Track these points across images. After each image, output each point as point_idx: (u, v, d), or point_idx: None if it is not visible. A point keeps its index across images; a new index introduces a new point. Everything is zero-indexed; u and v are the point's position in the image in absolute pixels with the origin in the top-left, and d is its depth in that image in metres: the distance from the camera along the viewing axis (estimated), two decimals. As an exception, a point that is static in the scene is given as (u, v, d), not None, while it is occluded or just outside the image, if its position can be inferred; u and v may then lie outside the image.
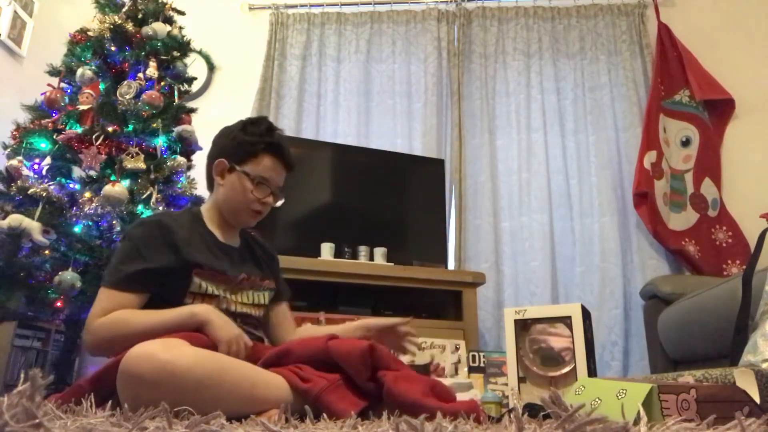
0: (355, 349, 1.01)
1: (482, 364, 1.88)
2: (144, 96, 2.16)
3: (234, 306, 1.27)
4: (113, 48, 2.29)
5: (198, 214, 1.35)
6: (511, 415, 0.81)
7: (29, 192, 1.92)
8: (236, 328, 1.14)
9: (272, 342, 1.38)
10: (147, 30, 2.30)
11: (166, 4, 2.44)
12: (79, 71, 2.19)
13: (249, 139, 1.32)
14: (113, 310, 1.15)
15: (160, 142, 2.19)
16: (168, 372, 0.91)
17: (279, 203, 1.37)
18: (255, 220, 1.36)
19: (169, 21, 2.44)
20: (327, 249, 2.45)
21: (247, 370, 1.00)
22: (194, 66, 2.63)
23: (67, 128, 2.10)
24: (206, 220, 1.34)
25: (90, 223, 1.96)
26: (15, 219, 1.81)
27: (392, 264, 2.49)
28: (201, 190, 2.28)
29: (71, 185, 2.08)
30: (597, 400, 0.88)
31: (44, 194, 1.92)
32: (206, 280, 1.23)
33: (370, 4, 3.36)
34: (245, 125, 1.35)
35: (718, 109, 3.07)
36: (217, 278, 1.25)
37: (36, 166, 2.06)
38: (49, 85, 2.23)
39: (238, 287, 1.29)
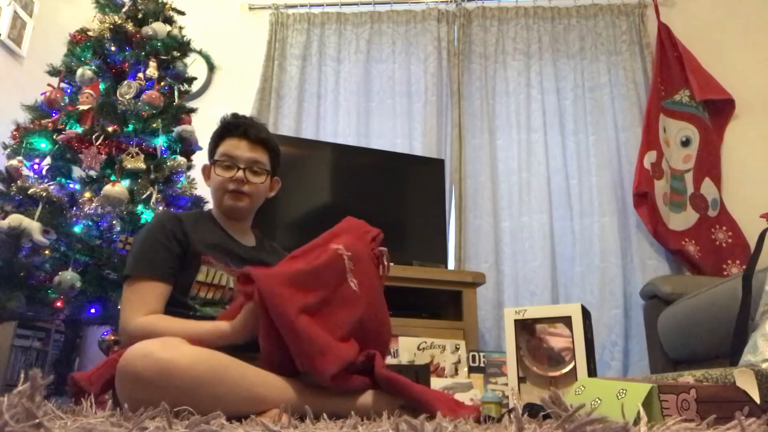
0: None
1: (482, 364, 1.88)
2: (144, 96, 2.16)
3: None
4: (113, 48, 2.29)
5: (210, 212, 1.43)
6: (511, 415, 0.81)
7: (29, 192, 1.92)
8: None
9: None
10: (147, 30, 2.30)
11: (166, 4, 2.44)
12: (79, 71, 2.19)
13: (213, 136, 1.42)
14: (149, 301, 1.17)
15: (160, 142, 2.19)
16: (167, 371, 0.92)
17: (258, 180, 1.37)
18: (240, 201, 1.36)
19: (169, 21, 2.44)
20: (327, 249, 2.45)
21: (246, 370, 1.01)
22: (194, 66, 2.63)
23: (67, 128, 2.10)
24: (217, 219, 1.41)
25: (90, 223, 1.96)
26: (15, 219, 1.81)
27: (392, 264, 2.48)
28: (201, 190, 2.28)
29: (71, 185, 2.08)
30: (597, 400, 0.88)
31: (44, 194, 1.92)
32: (213, 269, 1.26)
33: (370, 4, 3.36)
34: None
35: (718, 109, 3.07)
36: (222, 269, 1.28)
37: (36, 166, 2.06)
38: (49, 85, 2.22)
39: None
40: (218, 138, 1.40)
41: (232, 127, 1.39)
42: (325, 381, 1.00)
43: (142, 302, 1.17)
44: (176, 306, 1.21)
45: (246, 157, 1.35)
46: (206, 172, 1.43)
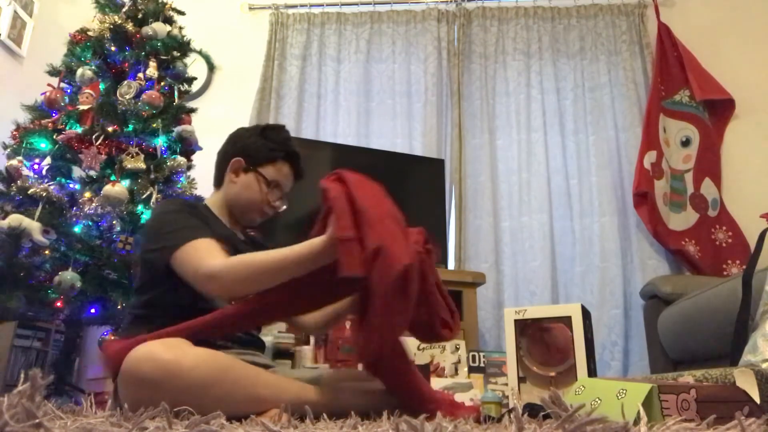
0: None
1: (482, 364, 1.88)
2: (144, 96, 2.16)
3: None
4: (113, 48, 2.29)
5: (205, 205, 1.38)
6: (511, 415, 0.81)
7: (29, 192, 1.92)
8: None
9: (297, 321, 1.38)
10: (147, 30, 2.30)
11: (166, 4, 2.44)
12: (79, 71, 2.19)
13: (270, 145, 1.36)
14: (214, 249, 1.11)
15: (160, 142, 2.19)
16: (170, 372, 0.92)
17: (282, 209, 1.41)
18: (262, 219, 1.40)
19: (169, 21, 2.44)
20: (327, 249, 2.45)
21: (247, 370, 1.01)
22: (194, 66, 2.63)
23: (67, 128, 2.10)
24: (213, 210, 1.37)
25: (90, 223, 1.96)
26: (15, 219, 1.81)
27: (392, 264, 2.48)
28: (201, 190, 2.28)
29: (71, 185, 2.08)
30: (597, 400, 0.88)
31: (44, 194, 1.92)
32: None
33: (370, 4, 3.36)
34: (264, 130, 1.39)
35: (718, 109, 3.07)
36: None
37: (36, 166, 2.06)
38: (49, 85, 2.23)
39: None
40: (277, 155, 1.35)
41: (294, 158, 1.38)
42: (396, 270, 0.92)
43: (207, 250, 1.11)
44: (188, 291, 1.17)
45: (288, 191, 1.40)
46: (238, 168, 1.35)
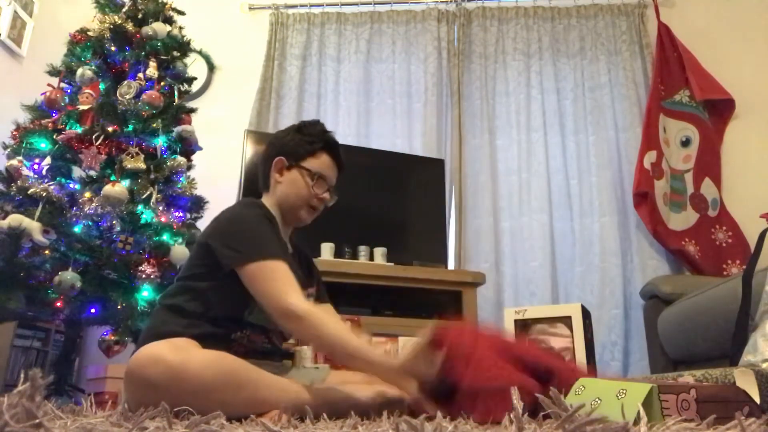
0: None
1: (482, 364, 1.88)
2: (144, 96, 2.16)
3: None
4: (113, 48, 2.29)
5: (269, 212, 1.32)
6: (511, 415, 0.81)
7: (29, 192, 1.92)
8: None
9: None
10: (147, 30, 2.30)
11: (166, 4, 2.44)
12: (79, 71, 2.19)
13: (307, 138, 1.37)
14: (294, 282, 1.12)
15: (160, 142, 2.19)
16: (176, 375, 0.92)
17: (332, 202, 1.40)
18: (311, 216, 1.38)
19: (169, 21, 2.44)
20: (327, 249, 2.45)
21: (250, 373, 1.01)
22: (194, 66, 2.63)
23: (67, 128, 2.10)
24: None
25: (90, 223, 1.96)
26: (15, 219, 1.81)
27: (392, 264, 2.48)
28: (201, 190, 2.28)
29: (71, 185, 2.08)
30: (597, 400, 0.88)
31: (44, 194, 1.92)
32: None
33: (370, 4, 3.36)
34: (301, 127, 1.40)
35: (718, 109, 3.07)
36: None
37: (36, 166, 2.06)
38: (49, 85, 2.22)
39: None
40: (315, 147, 1.35)
41: (335, 147, 1.38)
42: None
43: (289, 281, 1.11)
44: (233, 305, 1.16)
45: (333, 183, 1.38)
46: (281, 167, 1.34)
